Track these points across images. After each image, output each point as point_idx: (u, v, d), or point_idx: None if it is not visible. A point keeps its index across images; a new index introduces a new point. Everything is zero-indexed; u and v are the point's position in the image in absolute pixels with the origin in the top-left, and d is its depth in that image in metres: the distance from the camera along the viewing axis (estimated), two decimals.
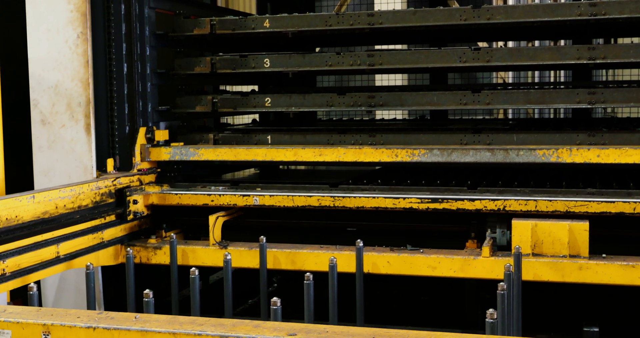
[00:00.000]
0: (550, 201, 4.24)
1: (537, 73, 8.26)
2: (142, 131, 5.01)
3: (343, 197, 4.48)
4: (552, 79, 8.32)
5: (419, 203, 4.37)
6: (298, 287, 4.19)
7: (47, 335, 2.68)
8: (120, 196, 4.68)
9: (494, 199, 4.30)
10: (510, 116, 8.05)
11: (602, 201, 4.21)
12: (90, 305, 4.48)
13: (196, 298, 4.25)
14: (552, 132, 4.84)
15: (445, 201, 4.35)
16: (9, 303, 4.73)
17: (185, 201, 4.76)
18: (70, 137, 4.89)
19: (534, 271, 4.17)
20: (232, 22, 5.20)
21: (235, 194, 4.66)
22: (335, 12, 5.06)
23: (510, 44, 7.60)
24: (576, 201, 4.24)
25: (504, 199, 4.28)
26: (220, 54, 5.51)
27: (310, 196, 4.53)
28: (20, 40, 5.01)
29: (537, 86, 7.29)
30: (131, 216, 4.69)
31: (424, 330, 4.73)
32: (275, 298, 3.26)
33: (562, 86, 7.12)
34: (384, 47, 6.94)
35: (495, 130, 4.99)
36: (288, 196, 4.56)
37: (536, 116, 8.16)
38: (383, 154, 4.71)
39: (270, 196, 4.59)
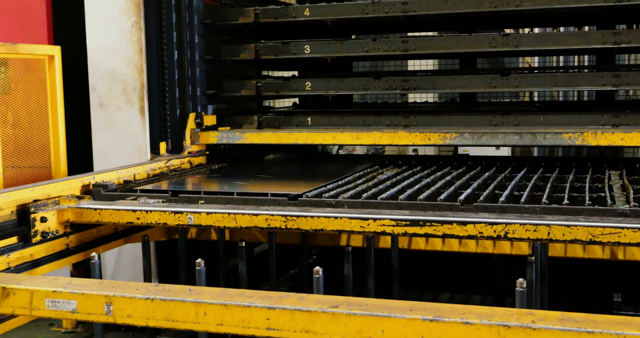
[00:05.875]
0: (568, 226, 3.01)
1: (561, 58, 8.08)
2: (191, 116, 4.99)
3: (297, 217, 3.35)
4: (576, 64, 8.13)
5: (393, 225, 3.20)
6: (335, 260, 4.16)
7: (110, 305, 2.69)
8: (24, 214, 3.52)
9: (492, 223, 3.09)
10: (535, 99, 7.90)
11: (638, 228, 2.98)
12: (146, 275, 4.50)
13: (243, 268, 4.23)
14: (577, 113, 4.71)
15: (428, 224, 3.15)
16: (71, 272, 4.78)
17: (106, 219, 3.67)
18: (125, 119, 4.90)
19: (562, 246, 4.05)
20: (274, 11, 5.15)
21: (165, 211, 3.53)
22: (371, 1, 4.94)
23: (536, 30, 7.43)
24: (604, 227, 2.99)
25: (506, 223, 3.08)
26: (263, 41, 5.46)
27: (257, 215, 3.39)
28: (79, 30, 5.01)
29: (561, 70, 7.13)
30: (38, 238, 3.52)
31: (457, 298, 4.67)
32: (317, 268, 3.25)
33: (586, 70, 6.96)
34: (416, 34, 6.83)
35: (523, 111, 4.88)
36: (229, 214, 3.44)
37: (560, 98, 7.99)
38: (416, 137, 4.63)
39: (208, 213, 3.47)
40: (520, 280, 2.95)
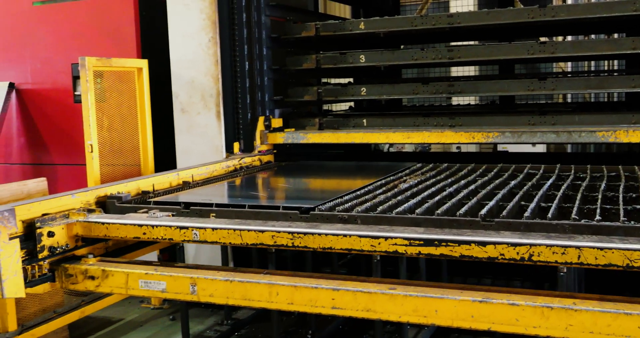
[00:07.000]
0: (602, 248, 2.31)
1: (592, 63, 7.86)
2: (261, 119, 5.01)
3: (304, 234, 2.74)
4: (606, 68, 7.90)
5: (406, 245, 2.60)
6: None
7: (194, 286, 2.71)
8: (31, 229, 2.94)
9: (514, 244, 2.43)
10: (569, 101, 7.70)
11: None
12: (223, 258, 4.55)
13: (309, 253, 4.23)
14: (609, 113, 4.56)
15: (443, 244, 2.54)
16: (159, 256, 4.86)
17: (113, 233, 3.06)
18: (204, 122, 4.94)
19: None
20: (333, 26, 5.13)
21: (171, 227, 2.93)
22: (419, 14, 4.88)
23: (569, 38, 7.25)
24: None
25: (530, 245, 2.41)
26: (323, 52, 5.45)
27: (263, 231, 2.79)
28: (163, 45, 5.07)
29: (593, 74, 6.93)
30: (45, 253, 2.96)
31: (498, 282, 4.58)
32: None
33: (616, 73, 6.75)
34: (459, 43, 6.72)
35: (559, 112, 4.75)
36: (234, 230, 2.84)
37: (592, 100, 7.78)
38: (462, 136, 4.53)
39: (213, 229, 2.87)
40: (561, 266, 2.87)
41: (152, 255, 4.88)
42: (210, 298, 2.69)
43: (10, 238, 2.73)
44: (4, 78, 5.90)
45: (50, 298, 4.28)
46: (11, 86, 5.85)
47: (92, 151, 4.39)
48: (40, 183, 4.19)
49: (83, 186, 3.75)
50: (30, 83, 5.82)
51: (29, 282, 2.84)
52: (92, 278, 2.90)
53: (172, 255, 4.87)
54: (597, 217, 2.74)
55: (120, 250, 3.41)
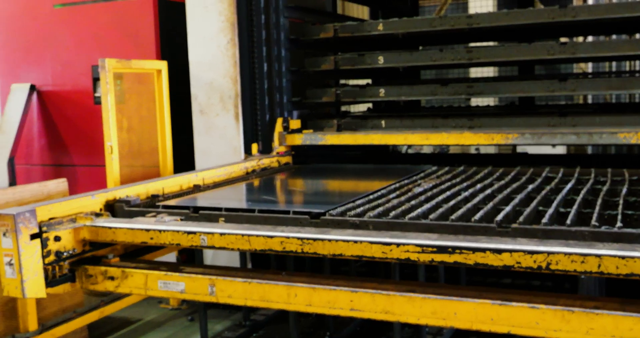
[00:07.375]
0: (623, 257, 2.19)
1: (614, 64, 7.78)
2: (279, 121, 5.01)
3: (314, 240, 2.61)
4: (627, 69, 7.81)
5: (418, 252, 2.48)
6: None
7: (213, 286, 2.72)
8: (38, 233, 2.84)
9: (531, 252, 2.31)
10: (589, 102, 7.62)
11: None
12: (242, 260, 4.56)
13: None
14: (630, 114, 4.51)
15: (457, 251, 2.42)
16: (177, 257, 4.88)
17: (120, 238, 2.96)
18: (222, 124, 4.96)
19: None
20: (351, 27, 5.12)
21: (178, 232, 2.82)
22: (435, 15, 4.86)
23: (590, 38, 7.18)
24: None
25: (547, 253, 2.29)
26: (341, 53, 5.44)
27: (272, 237, 2.67)
28: (182, 47, 5.10)
29: (614, 75, 6.86)
30: (51, 258, 2.87)
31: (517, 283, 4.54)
32: None
33: (637, 74, 6.68)
34: (478, 44, 6.68)
35: (580, 113, 4.70)
36: (242, 236, 2.71)
37: (613, 101, 7.69)
38: (481, 138, 4.48)
39: (221, 234, 2.74)
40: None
41: (171, 256, 4.90)
42: (229, 299, 2.70)
43: (32, 239, 2.76)
44: (25, 80, 5.97)
45: (70, 298, 4.32)
46: (32, 87, 5.91)
47: (111, 153, 4.43)
48: (61, 183, 4.23)
49: (103, 187, 3.78)
50: (50, 85, 5.89)
51: (49, 282, 2.86)
52: (112, 278, 2.93)
53: (190, 255, 4.90)
54: (619, 224, 2.61)
55: (138, 250, 3.42)
